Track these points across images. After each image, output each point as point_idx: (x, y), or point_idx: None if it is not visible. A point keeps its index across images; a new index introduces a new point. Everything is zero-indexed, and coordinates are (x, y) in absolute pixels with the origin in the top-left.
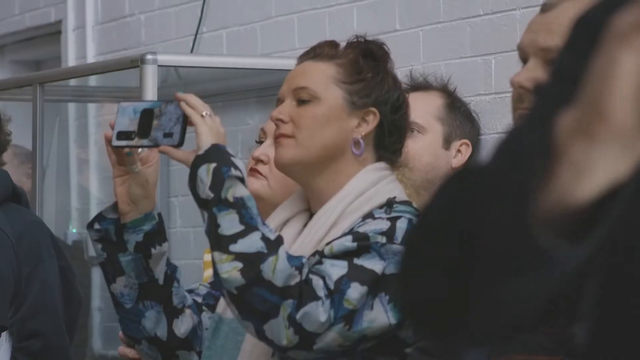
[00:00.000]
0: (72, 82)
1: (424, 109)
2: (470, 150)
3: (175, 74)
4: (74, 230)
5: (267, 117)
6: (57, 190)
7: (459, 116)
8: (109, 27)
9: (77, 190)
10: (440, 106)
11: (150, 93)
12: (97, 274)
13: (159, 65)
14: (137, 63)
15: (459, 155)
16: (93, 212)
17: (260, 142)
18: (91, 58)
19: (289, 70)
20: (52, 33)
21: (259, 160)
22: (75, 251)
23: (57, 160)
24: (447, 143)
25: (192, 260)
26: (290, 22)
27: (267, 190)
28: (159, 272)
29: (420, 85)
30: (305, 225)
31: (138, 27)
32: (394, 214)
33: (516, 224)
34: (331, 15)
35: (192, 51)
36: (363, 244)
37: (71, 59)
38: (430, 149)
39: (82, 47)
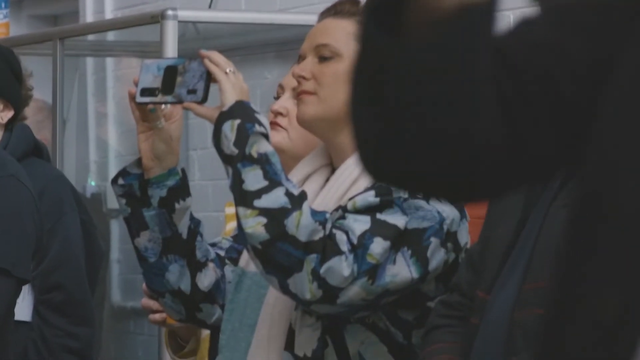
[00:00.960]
0: (90, 37)
1: None
2: None
3: (194, 28)
4: (93, 183)
5: (285, 71)
6: (77, 143)
7: None
8: None
9: (95, 144)
10: None
11: (171, 48)
12: (115, 227)
13: (179, 21)
14: (157, 19)
15: None
16: (112, 165)
17: (278, 98)
18: (109, 13)
19: (307, 25)
20: None
21: (278, 113)
22: (94, 203)
23: (76, 115)
24: None
25: (211, 212)
26: None
27: (288, 142)
28: (183, 227)
29: None
30: (327, 180)
31: None
32: None
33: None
34: None
35: (210, 6)
36: (386, 199)
37: (89, 14)
38: None
39: (100, 1)
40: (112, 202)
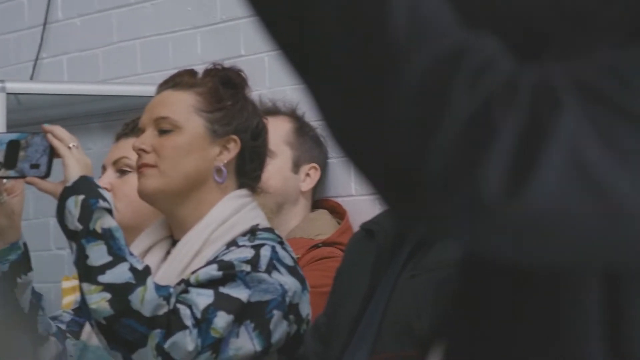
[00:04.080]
0: None
1: (273, 133)
2: (318, 173)
3: (15, 100)
4: None
5: (109, 142)
6: None
7: (308, 140)
8: None
9: None
10: (289, 131)
11: (0, 121)
12: None
13: (7, 93)
14: None
15: (307, 179)
16: None
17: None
18: None
19: (132, 96)
20: None
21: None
22: None
23: None
24: (296, 167)
25: (36, 284)
26: (133, 48)
27: (115, 214)
28: (24, 301)
29: (269, 110)
30: (168, 252)
31: None
32: (257, 242)
33: None
34: (174, 41)
35: (31, 77)
36: (228, 273)
37: None
38: (279, 173)
39: None
40: None
